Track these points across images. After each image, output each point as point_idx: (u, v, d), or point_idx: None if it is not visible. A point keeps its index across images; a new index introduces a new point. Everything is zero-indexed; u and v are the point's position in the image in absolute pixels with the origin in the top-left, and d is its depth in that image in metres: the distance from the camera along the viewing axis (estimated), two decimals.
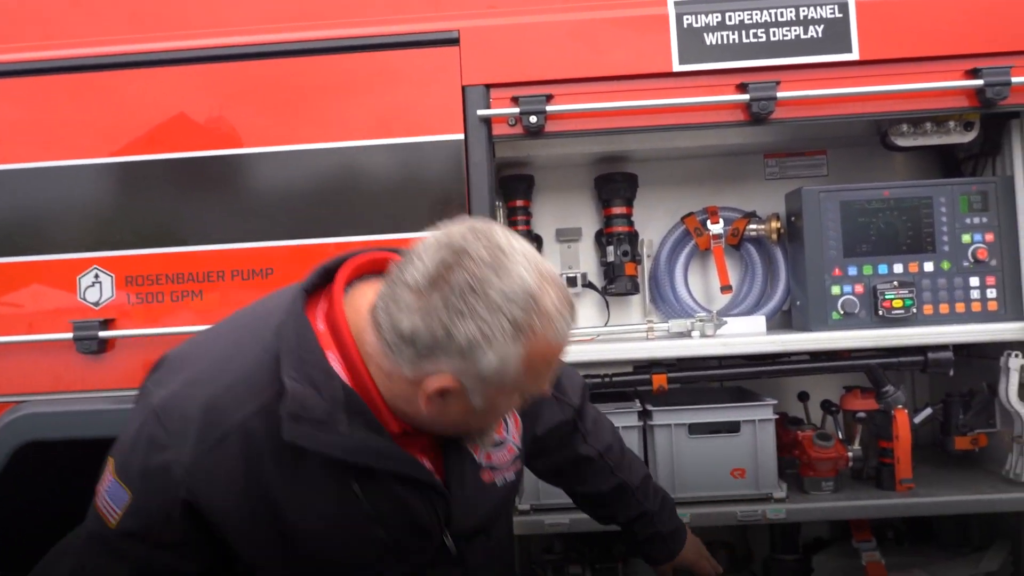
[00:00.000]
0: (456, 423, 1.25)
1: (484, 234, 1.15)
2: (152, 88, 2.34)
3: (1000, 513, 2.59)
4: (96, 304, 2.34)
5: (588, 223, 2.83)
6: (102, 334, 2.29)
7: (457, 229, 1.17)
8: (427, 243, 1.16)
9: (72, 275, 2.33)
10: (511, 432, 1.45)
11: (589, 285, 2.69)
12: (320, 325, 1.24)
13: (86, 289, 2.34)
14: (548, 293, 1.14)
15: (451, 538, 1.34)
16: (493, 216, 2.33)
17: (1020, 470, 2.47)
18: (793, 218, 2.60)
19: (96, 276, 2.34)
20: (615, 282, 2.64)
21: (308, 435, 1.16)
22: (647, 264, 2.69)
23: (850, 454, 2.52)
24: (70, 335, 2.28)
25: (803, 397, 2.81)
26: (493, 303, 1.11)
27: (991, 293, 2.48)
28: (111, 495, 1.23)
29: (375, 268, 1.30)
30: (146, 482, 1.21)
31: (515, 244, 1.16)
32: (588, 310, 2.77)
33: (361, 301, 1.24)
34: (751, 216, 2.73)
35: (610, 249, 2.67)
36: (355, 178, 2.33)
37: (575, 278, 2.67)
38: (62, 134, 2.34)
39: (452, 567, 1.36)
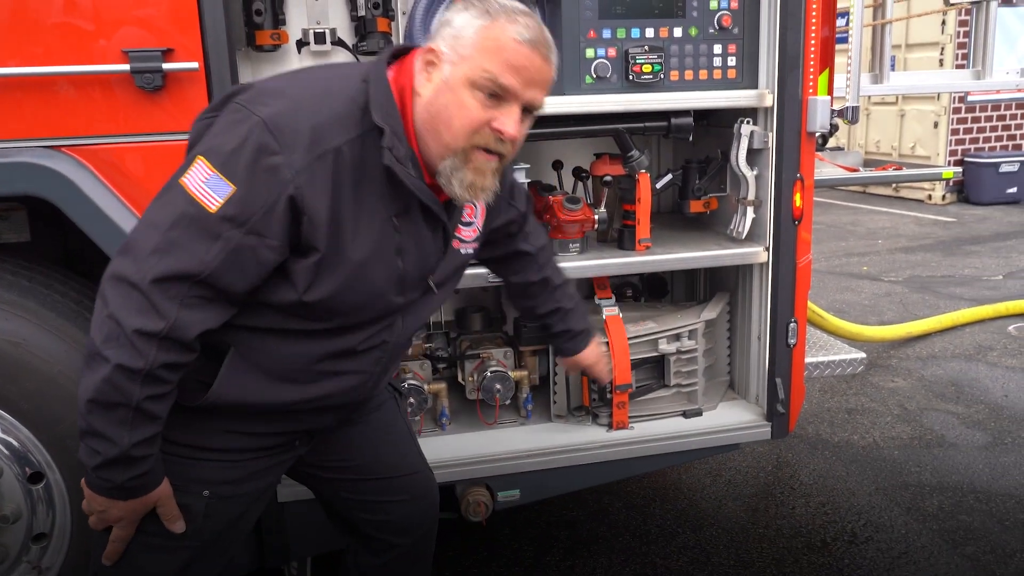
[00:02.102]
0: (435, 118, 1.54)
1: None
2: None
3: (722, 268, 2.86)
4: None
5: None
6: None
7: None
8: None
9: None
10: (478, 217, 1.83)
11: (339, 42, 2.48)
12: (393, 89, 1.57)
13: None
14: (524, 14, 1.54)
15: (432, 281, 1.73)
16: None
17: (742, 228, 2.71)
18: None
19: None
20: (367, 39, 2.45)
21: (398, 167, 1.53)
22: (402, 21, 2.52)
23: (596, 217, 2.64)
24: None
25: (557, 165, 2.87)
26: (489, 6, 1.53)
27: (731, 61, 2.58)
28: (210, 186, 1.46)
29: None
30: (254, 178, 1.45)
31: None
32: None
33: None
34: None
35: (360, 2, 2.45)
36: None
37: (323, 34, 2.45)
38: None
39: (408, 308, 1.73)
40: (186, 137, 1.63)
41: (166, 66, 2.02)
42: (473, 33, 1.52)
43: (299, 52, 2.49)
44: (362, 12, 2.43)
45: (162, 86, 2.04)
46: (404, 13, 2.53)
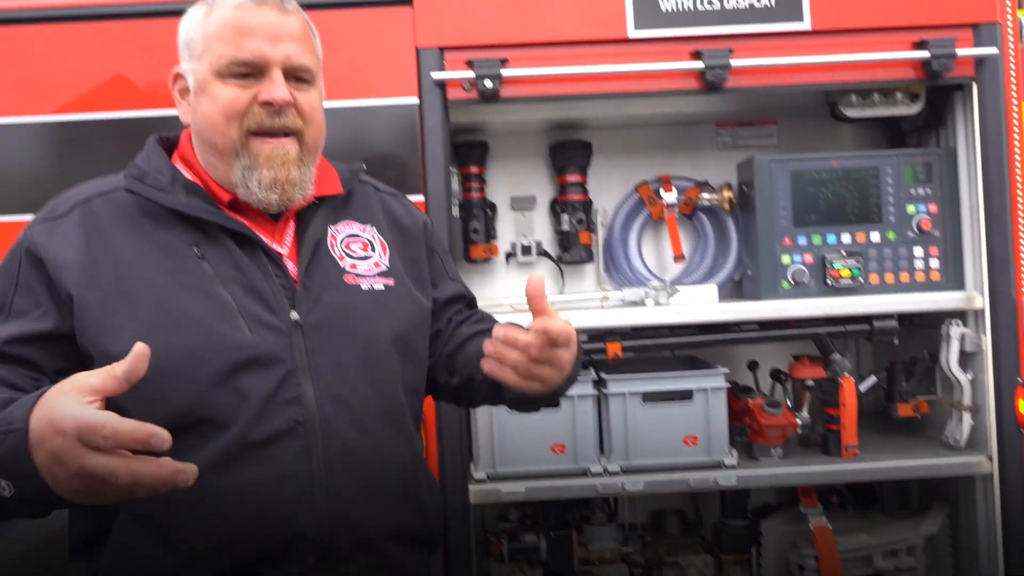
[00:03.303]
0: (202, 130, 1.42)
1: None
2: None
3: (939, 478, 2.67)
4: None
5: (542, 191, 2.82)
6: None
7: None
8: None
9: None
10: (378, 252, 1.58)
11: (544, 254, 2.69)
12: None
13: None
14: None
15: (301, 317, 1.41)
16: (448, 183, 2.30)
17: (959, 436, 2.54)
18: (745, 187, 2.62)
19: None
20: (570, 250, 2.64)
21: (146, 191, 1.39)
22: (601, 233, 2.70)
23: (798, 421, 2.57)
24: None
25: (753, 366, 2.86)
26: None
27: (934, 263, 2.54)
28: None
29: None
30: (5, 261, 1.40)
31: None
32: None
33: None
34: (703, 185, 2.75)
35: (564, 217, 2.66)
36: None
37: (530, 247, 2.67)
38: None
39: (307, 364, 1.39)
40: None
41: None
42: (199, 30, 1.41)
43: (507, 263, 2.71)
44: (566, 227, 2.63)
45: None
46: (603, 225, 2.71)
